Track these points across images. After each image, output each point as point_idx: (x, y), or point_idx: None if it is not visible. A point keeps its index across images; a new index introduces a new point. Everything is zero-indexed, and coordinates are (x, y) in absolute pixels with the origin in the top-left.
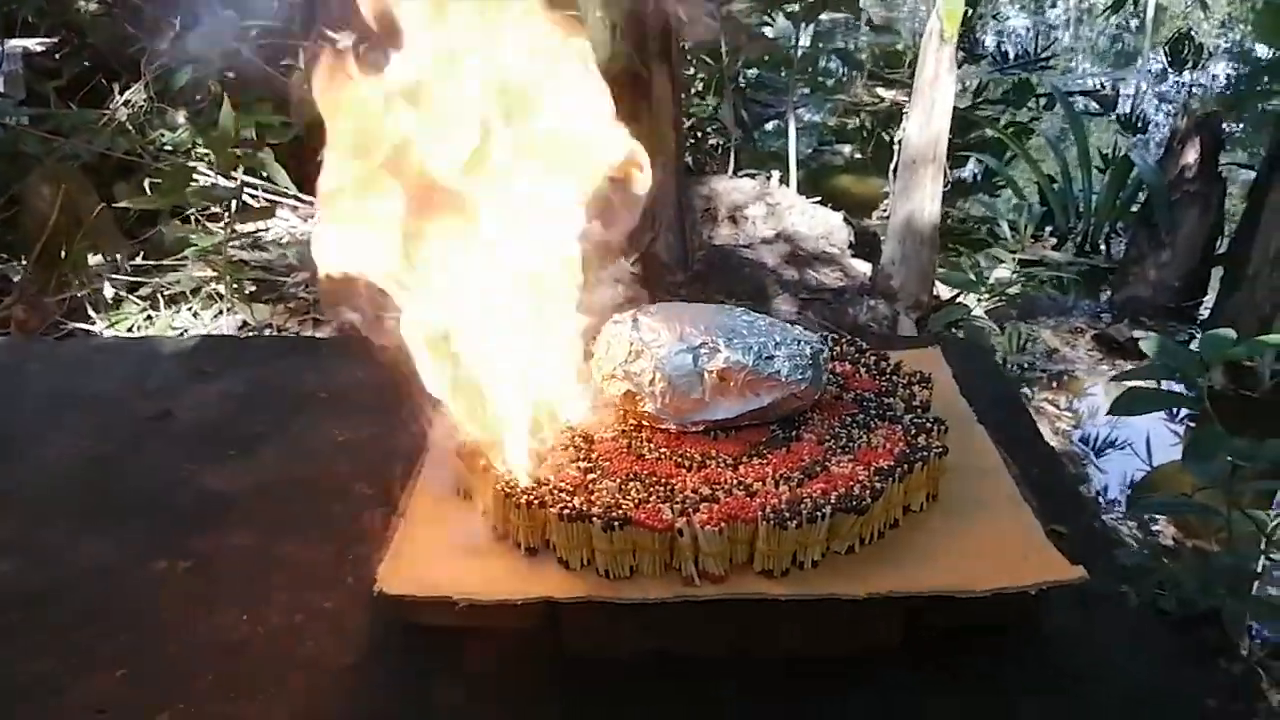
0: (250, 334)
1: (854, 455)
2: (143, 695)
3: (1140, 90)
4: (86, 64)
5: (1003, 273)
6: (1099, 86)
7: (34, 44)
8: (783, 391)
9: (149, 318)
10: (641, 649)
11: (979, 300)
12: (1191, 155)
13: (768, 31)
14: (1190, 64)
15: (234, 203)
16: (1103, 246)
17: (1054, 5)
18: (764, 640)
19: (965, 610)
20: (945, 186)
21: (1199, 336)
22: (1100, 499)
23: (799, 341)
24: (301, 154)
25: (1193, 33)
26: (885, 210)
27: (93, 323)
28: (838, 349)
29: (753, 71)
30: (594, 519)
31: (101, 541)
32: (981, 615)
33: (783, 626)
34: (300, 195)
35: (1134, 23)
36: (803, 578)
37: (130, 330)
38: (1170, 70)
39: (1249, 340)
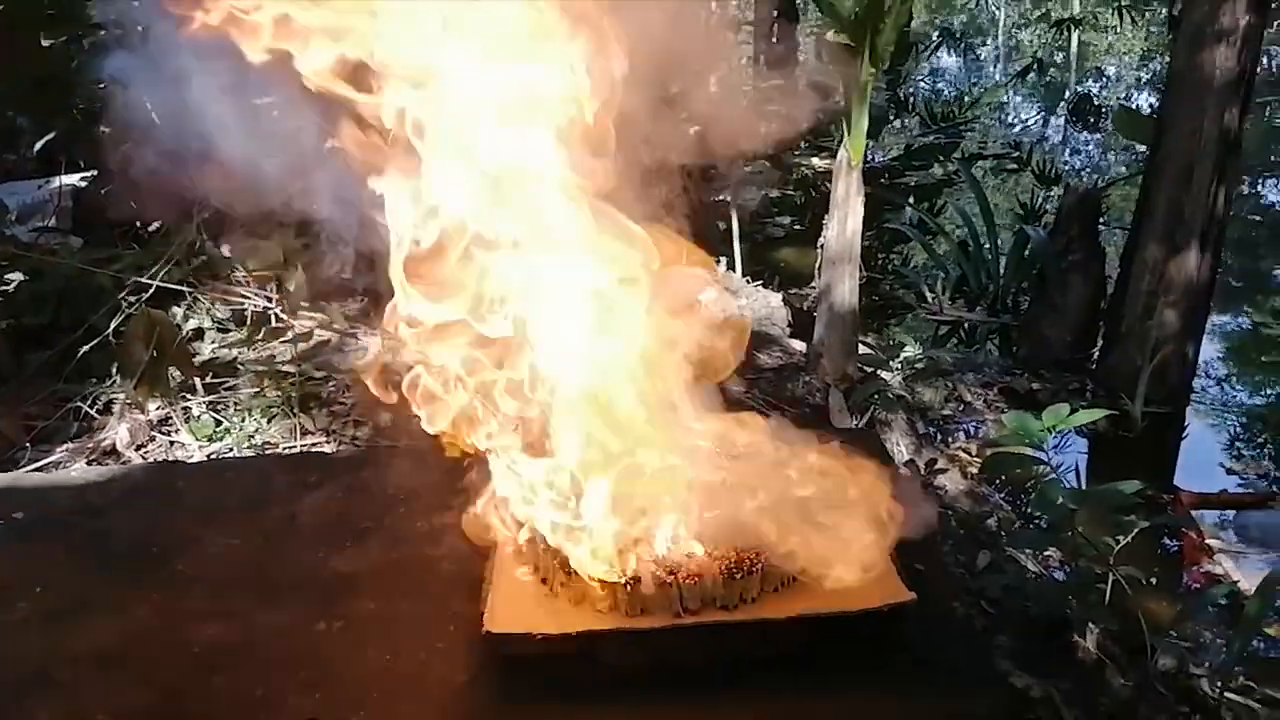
0: (318, 442)
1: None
2: (336, 707)
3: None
4: (130, 203)
5: (909, 351)
6: (1010, 147)
7: (78, 179)
8: None
9: (227, 430)
10: (649, 660)
11: (894, 371)
12: (1074, 228)
13: None
14: (1092, 124)
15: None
16: (1011, 305)
17: (983, 45)
18: (724, 650)
19: (847, 623)
20: (861, 279)
21: (1046, 410)
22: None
23: None
24: (316, 266)
25: (1091, 94)
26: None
27: (177, 431)
28: None
29: None
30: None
31: (273, 610)
32: (862, 626)
33: (735, 640)
34: (322, 309)
35: (1059, 55)
36: (746, 610)
37: (210, 439)
38: (1073, 129)
39: (1077, 413)
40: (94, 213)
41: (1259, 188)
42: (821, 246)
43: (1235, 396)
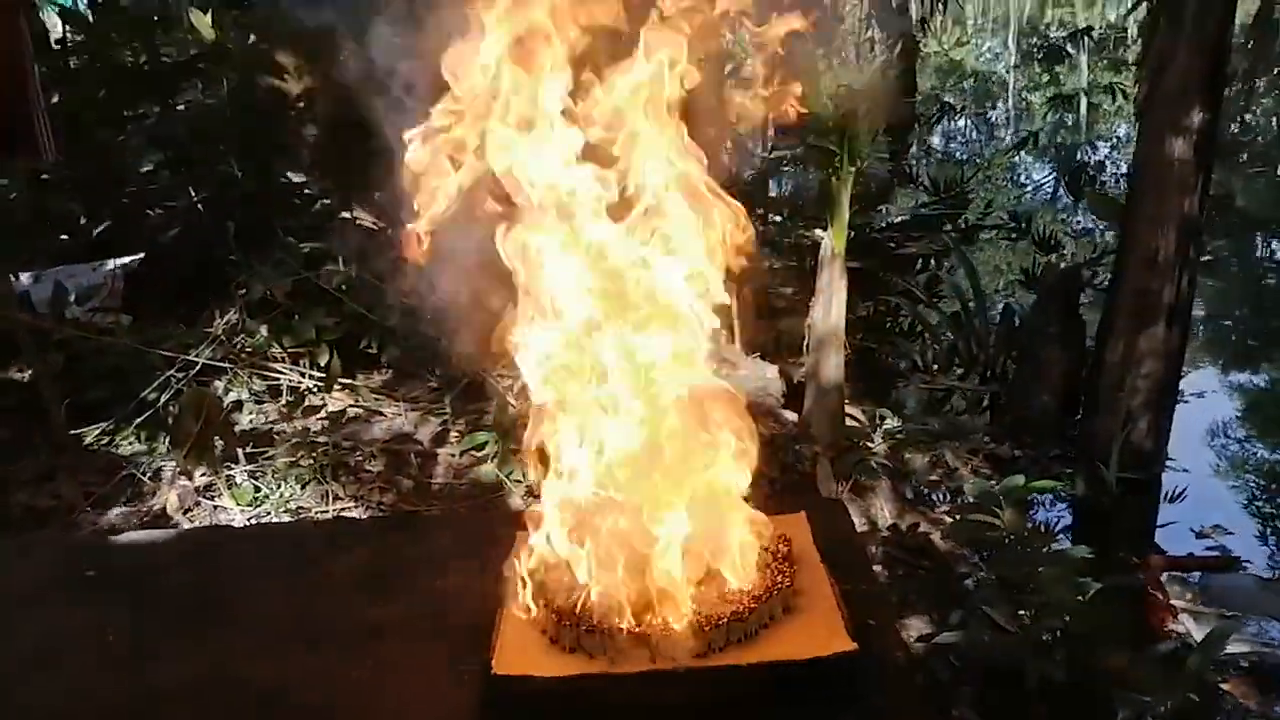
0: (347, 507)
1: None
2: None
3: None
4: (177, 280)
5: (891, 422)
6: (1010, 217)
7: (129, 260)
8: None
9: (266, 496)
10: (631, 700)
11: (879, 441)
12: (1056, 303)
13: None
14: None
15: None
16: (1000, 374)
17: (994, 108)
18: (694, 692)
19: (803, 669)
20: (849, 353)
21: (1004, 480)
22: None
23: None
24: (351, 343)
25: (1087, 166)
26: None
27: (220, 496)
28: None
29: None
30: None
31: (316, 656)
32: (813, 672)
33: (703, 683)
34: (353, 382)
35: (1070, 118)
36: (718, 657)
37: (250, 504)
38: (1070, 199)
39: (1030, 484)
40: (143, 292)
41: (1272, 245)
42: (809, 328)
43: (1253, 454)
